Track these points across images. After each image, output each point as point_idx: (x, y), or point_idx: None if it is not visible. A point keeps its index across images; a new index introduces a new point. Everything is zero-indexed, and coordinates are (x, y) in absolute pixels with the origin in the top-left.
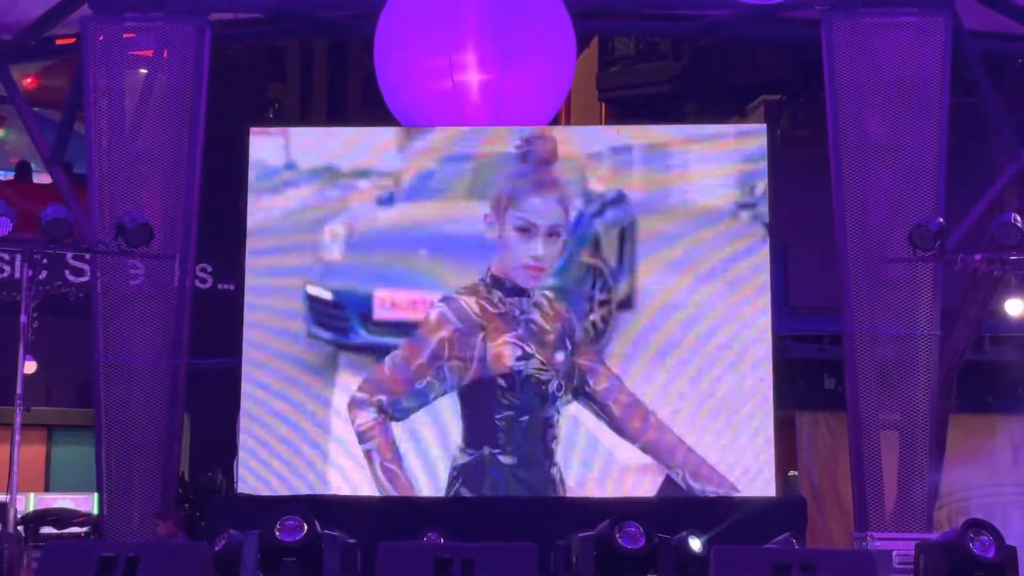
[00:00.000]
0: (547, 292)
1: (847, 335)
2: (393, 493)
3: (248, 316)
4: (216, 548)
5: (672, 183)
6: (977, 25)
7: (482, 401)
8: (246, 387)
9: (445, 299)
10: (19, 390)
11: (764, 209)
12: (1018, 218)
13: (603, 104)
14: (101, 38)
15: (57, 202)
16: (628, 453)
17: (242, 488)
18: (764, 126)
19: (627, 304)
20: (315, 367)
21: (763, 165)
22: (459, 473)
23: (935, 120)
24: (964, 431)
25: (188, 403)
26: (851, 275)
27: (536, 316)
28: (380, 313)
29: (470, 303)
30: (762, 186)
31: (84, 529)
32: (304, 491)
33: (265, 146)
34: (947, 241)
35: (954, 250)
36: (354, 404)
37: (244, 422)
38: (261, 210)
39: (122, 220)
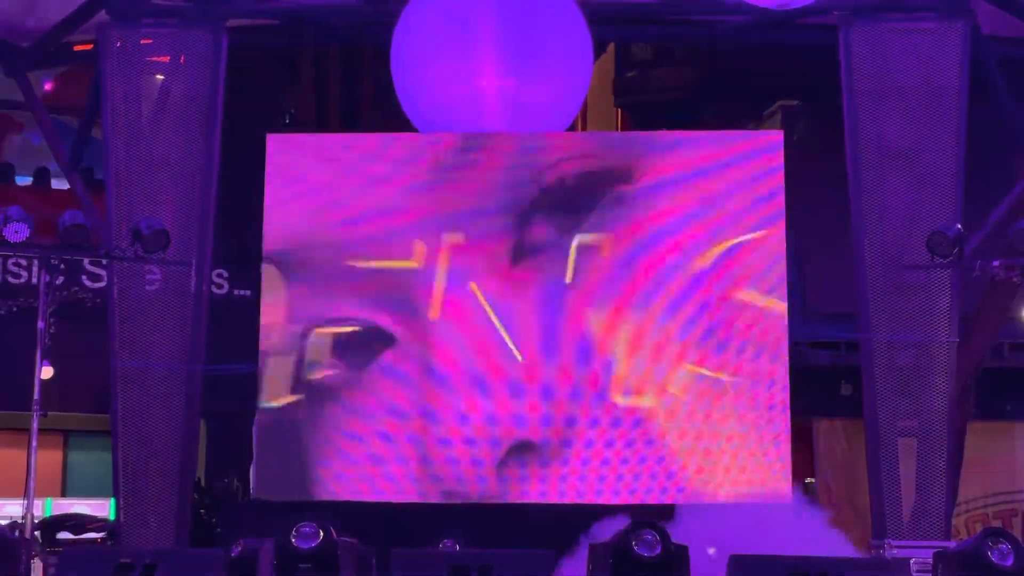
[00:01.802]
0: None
1: (864, 341)
2: None
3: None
4: (232, 554)
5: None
6: (995, 30)
7: None
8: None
9: None
10: (36, 395)
11: (781, 215)
12: None
13: (619, 110)
14: (118, 44)
15: (75, 208)
16: None
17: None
18: (781, 132)
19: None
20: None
21: (780, 171)
22: None
23: (953, 126)
24: (982, 438)
25: (204, 409)
26: (868, 281)
27: None
28: None
29: None
30: (779, 192)
31: (101, 535)
32: (321, 497)
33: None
34: (965, 247)
35: (972, 256)
36: None
37: (260, 428)
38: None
39: (139, 226)
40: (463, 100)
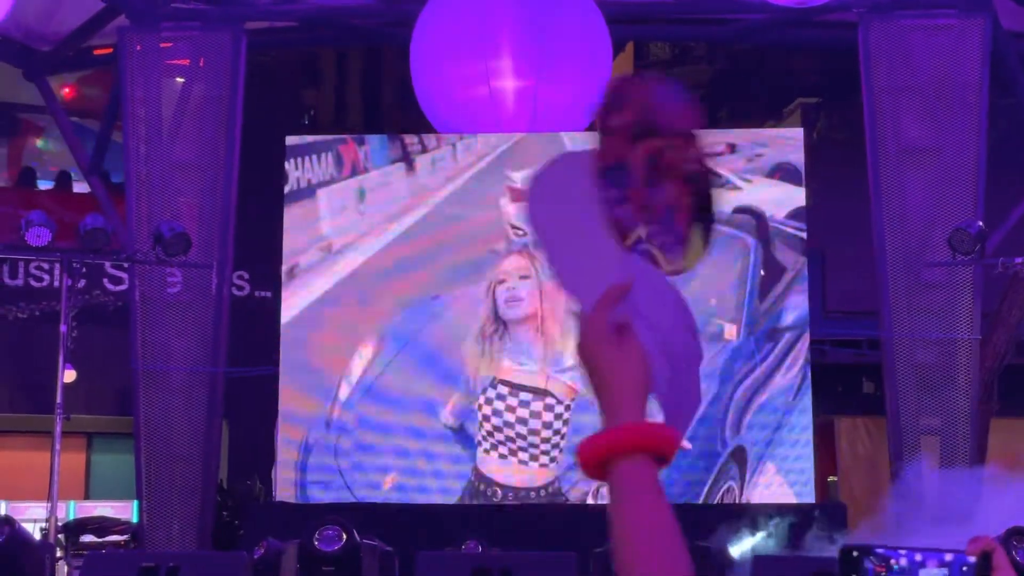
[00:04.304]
0: None
1: (886, 339)
2: None
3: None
4: (255, 557)
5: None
6: (1016, 26)
7: None
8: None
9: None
10: (59, 399)
11: (802, 213)
12: None
13: None
14: (138, 48)
15: (96, 211)
16: None
17: (280, 496)
18: (801, 130)
19: None
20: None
21: (800, 169)
22: None
23: (974, 122)
24: (1005, 436)
25: (226, 411)
26: (889, 279)
27: None
28: None
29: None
30: (799, 190)
31: (124, 537)
32: (344, 499)
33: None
34: (987, 244)
35: (994, 253)
36: None
37: (282, 430)
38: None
39: (160, 229)
40: (482, 101)
